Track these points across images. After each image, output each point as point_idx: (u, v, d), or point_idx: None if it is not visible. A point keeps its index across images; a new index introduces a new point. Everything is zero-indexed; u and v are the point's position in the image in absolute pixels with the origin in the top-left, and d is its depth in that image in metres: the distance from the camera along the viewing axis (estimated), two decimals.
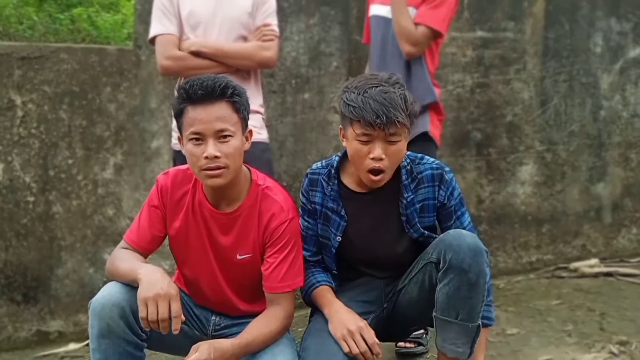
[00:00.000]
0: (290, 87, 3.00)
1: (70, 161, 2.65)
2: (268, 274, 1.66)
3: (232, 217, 1.67)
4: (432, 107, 2.45)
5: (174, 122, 2.28)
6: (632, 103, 3.69)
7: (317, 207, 1.77)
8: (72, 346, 2.60)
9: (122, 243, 1.70)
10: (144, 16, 2.65)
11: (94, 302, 1.53)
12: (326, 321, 1.68)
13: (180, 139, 1.64)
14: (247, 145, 1.66)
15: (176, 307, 1.45)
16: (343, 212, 1.75)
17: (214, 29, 2.21)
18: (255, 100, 2.26)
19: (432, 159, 1.77)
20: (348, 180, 1.76)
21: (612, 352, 2.38)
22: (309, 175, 1.80)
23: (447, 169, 1.76)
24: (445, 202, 1.75)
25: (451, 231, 1.68)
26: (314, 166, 1.82)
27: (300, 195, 1.81)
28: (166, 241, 1.76)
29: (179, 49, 2.20)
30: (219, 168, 1.55)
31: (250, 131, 1.68)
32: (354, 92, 1.60)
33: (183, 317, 1.48)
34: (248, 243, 1.68)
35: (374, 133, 1.58)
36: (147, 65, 2.72)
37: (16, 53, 2.56)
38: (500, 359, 2.35)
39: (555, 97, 3.51)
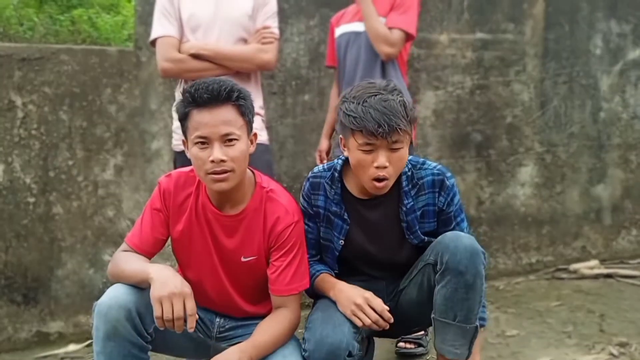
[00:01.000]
0: (290, 88, 3.01)
1: (70, 162, 2.65)
2: (275, 277, 1.66)
3: (237, 220, 1.67)
4: None
5: (175, 124, 2.30)
6: (632, 105, 3.70)
7: (320, 210, 1.77)
8: (72, 347, 2.60)
9: (124, 246, 1.69)
10: (144, 17, 2.66)
11: (100, 304, 1.52)
12: (332, 301, 1.68)
13: (185, 143, 1.64)
14: (252, 149, 1.66)
15: (191, 305, 1.45)
16: (346, 216, 1.75)
17: (214, 32, 2.21)
18: (256, 102, 2.24)
19: (433, 164, 1.76)
20: (350, 186, 1.76)
21: (612, 354, 2.38)
22: (310, 179, 1.79)
23: (448, 174, 1.75)
24: (445, 208, 1.74)
25: (449, 233, 1.68)
26: (315, 170, 1.81)
27: (301, 199, 1.81)
28: (167, 243, 1.76)
29: (179, 51, 2.21)
30: (225, 172, 1.55)
31: (255, 134, 1.68)
32: (353, 102, 1.59)
33: (197, 316, 1.48)
34: (253, 245, 1.68)
35: (376, 142, 1.57)
36: (147, 66, 2.72)
37: (16, 54, 2.56)
38: None
39: (555, 99, 3.52)
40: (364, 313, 1.61)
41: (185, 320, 1.45)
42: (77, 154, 2.66)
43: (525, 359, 2.37)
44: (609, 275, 3.35)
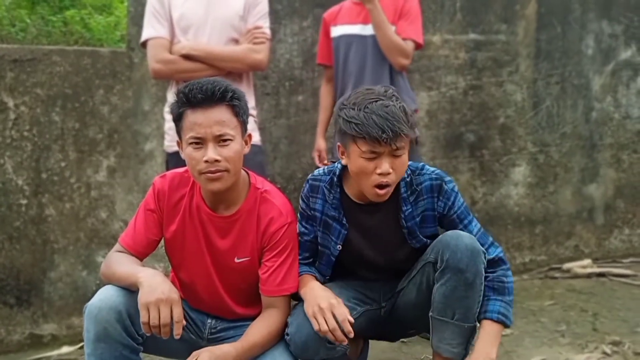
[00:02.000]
0: (284, 89, 3.00)
1: (63, 164, 2.64)
2: (266, 277, 1.66)
3: (231, 221, 1.67)
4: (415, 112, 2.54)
5: (167, 125, 2.30)
6: (624, 105, 3.72)
7: (317, 214, 1.75)
8: (66, 349, 2.59)
9: (117, 246, 1.69)
10: (136, 19, 2.65)
11: (90, 305, 1.52)
12: None
13: (179, 144, 1.64)
14: (247, 149, 1.66)
15: (178, 311, 1.44)
16: (344, 221, 1.73)
17: (205, 32, 2.21)
18: (248, 102, 2.25)
19: (432, 169, 1.74)
20: (349, 190, 1.74)
21: (605, 352, 2.39)
22: (310, 181, 1.77)
23: (447, 179, 1.73)
24: (445, 212, 1.71)
25: (449, 232, 1.67)
26: (315, 172, 1.80)
27: (300, 201, 1.79)
28: (160, 244, 1.76)
29: (170, 53, 2.21)
30: (219, 172, 1.55)
31: (250, 135, 1.68)
32: (353, 109, 1.56)
33: (184, 322, 1.47)
34: (246, 247, 1.68)
35: (380, 149, 1.55)
36: (140, 67, 2.71)
37: (8, 55, 2.55)
38: None
39: (548, 99, 3.53)
40: (324, 318, 1.55)
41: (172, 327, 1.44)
42: (69, 155, 2.65)
43: (518, 358, 2.37)
44: (601, 274, 3.37)
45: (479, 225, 1.76)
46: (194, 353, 1.51)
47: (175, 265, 1.76)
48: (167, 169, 2.22)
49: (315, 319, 1.56)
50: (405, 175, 1.69)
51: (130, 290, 1.53)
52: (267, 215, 1.66)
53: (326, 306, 1.56)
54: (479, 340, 1.64)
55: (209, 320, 1.77)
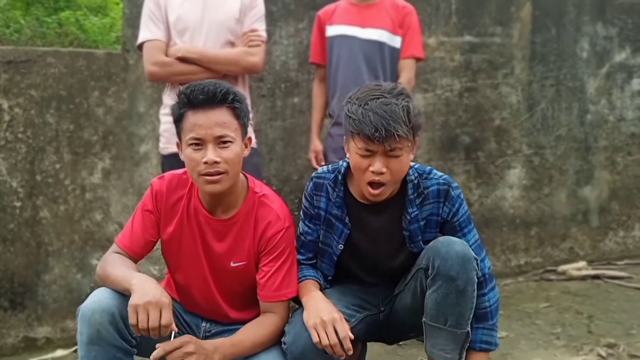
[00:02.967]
0: (279, 91, 3.00)
1: (57, 166, 2.63)
2: (263, 282, 1.65)
3: (228, 224, 1.66)
4: None
5: (162, 127, 2.29)
6: (619, 107, 3.73)
7: (321, 212, 1.73)
8: (60, 352, 2.58)
9: (114, 247, 1.68)
10: (132, 20, 2.65)
11: (83, 308, 1.51)
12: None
13: (178, 145, 1.63)
14: (247, 152, 1.65)
15: (167, 315, 1.43)
16: (347, 220, 1.72)
17: (201, 35, 2.21)
18: None
19: (439, 173, 1.72)
20: (354, 189, 1.72)
21: (600, 355, 2.39)
22: (314, 179, 1.75)
23: (454, 184, 1.71)
24: (449, 218, 1.70)
25: (441, 238, 1.66)
26: (320, 170, 1.77)
27: (304, 199, 1.77)
28: (157, 245, 1.75)
29: (166, 55, 2.20)
30: (218, 173, 1.54)
31: (250, 138, 1.68)
32: (355, 104, 1.56)
33: (175, 328, 1.47)
34: (243, 250, 1.67)
35: (374, 147, 1.53)
36: (135, 69, 2.70)
37: (2, 57, 2.54)
38: None
39: (543, 102, 3.54)
40: (325, 332, 1.52)
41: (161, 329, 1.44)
42: (64, 157, 2.64)
43: None
44: (596, 277, 3.38)
45: (477, 236, 1.75)
46: (179, 339, 1.50)
47: (171, 267, 1.75)
48: (163, 171, 2.21)
49: (316, 331, 1.53)
50: (413, 178, 1.67)
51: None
52: (265, 219, 1.65)
53: (328, 320, 1.53)
54: None
55: (204, 324, 1.76)
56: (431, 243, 1.66)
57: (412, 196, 1.68)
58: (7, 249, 2.58)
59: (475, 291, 1.62)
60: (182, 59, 2.18)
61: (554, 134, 3.58)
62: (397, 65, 2.50)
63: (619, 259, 3.67)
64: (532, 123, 3.53)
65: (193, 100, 1.54)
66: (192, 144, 1.55)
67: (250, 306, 1.71)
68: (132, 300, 1.43)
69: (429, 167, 1.74)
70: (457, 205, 1.69)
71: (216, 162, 1.53)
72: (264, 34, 2.30)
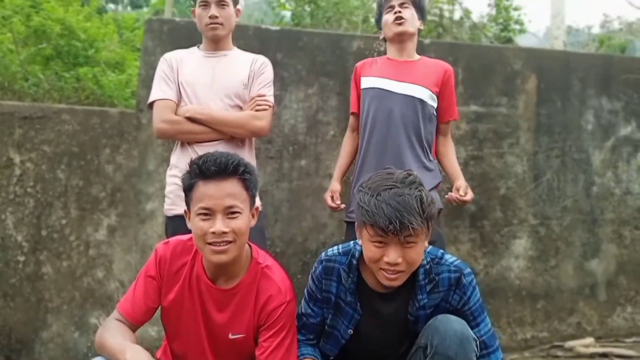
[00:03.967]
0: (287, 153, 3.04)
1: (63, 221, 2.64)
2: (263, 359, 1.63)
3: (230, 294, 1.65)
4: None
5: (168, 188, 2.31)
6: (625, 180, 3.74)
7: (332, 297, 1.71)
8: None
9: (115, 314, 1.67)
10: (147, 81, 2.72)
11: None
12: None
13: (186, 213, 1.64)
14: (254, 222, 1.66)
15: None
16: (358, 307, 1.69)
17: (210, 98, 2.26)
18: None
19: (452, 259, 1.70)
20: (367, 276, 1.70)
21: None
22: (324, 262, 1.72)
23: (466, 271, 1.68)
24: (460, 307, 1.67)
25: (440, 316, 1.64)
26: (329, 252, 1.74)
27: (310, 281, 1.75)
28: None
29: (176, 114, 2.25)
30: (226, 243, 1.55)
31: (257, 208, 1.69)
32: (367, 194, 1.55)
33: None
34: (242, 322, 1.65)
35: (388, 238, 1.52)
36: (147, 128, 2.76)
37: (19, 112, 2.60)
38: None
39: (548, 172, 3.56)
40: None
41: None
42: (71, 212, 2.66)
43: None
44: (604, 355, 3.28)
45: (489, 326, 1.71)
46: None
47: (169, 334, 1.73)
48: (166, 232, 2.22)
49: None
50: (425, 262, 1.65)
51: None
52: (266, 292, 1.65)
53: None
54: None
55: None
56: (430, 321, 1.64)
57: (423, 282, 1.66)
58: (7, 304, 2.56)
59: None
60: (191, 119, 2.22)
61: (559, 205, 3.57)
62: (429, 121, 2.47)
63: (627, 336, 3.58)
64: (538, 193, 3.53)
65: (205, 171, 1.57)
66: (201, 214, 1.56)
67: None
68: None
69: (441, 252, 1.72)
70: (468, 293, 1.67)
71: (224, 233, 1.54)
72: (271, 99, 2.35)
